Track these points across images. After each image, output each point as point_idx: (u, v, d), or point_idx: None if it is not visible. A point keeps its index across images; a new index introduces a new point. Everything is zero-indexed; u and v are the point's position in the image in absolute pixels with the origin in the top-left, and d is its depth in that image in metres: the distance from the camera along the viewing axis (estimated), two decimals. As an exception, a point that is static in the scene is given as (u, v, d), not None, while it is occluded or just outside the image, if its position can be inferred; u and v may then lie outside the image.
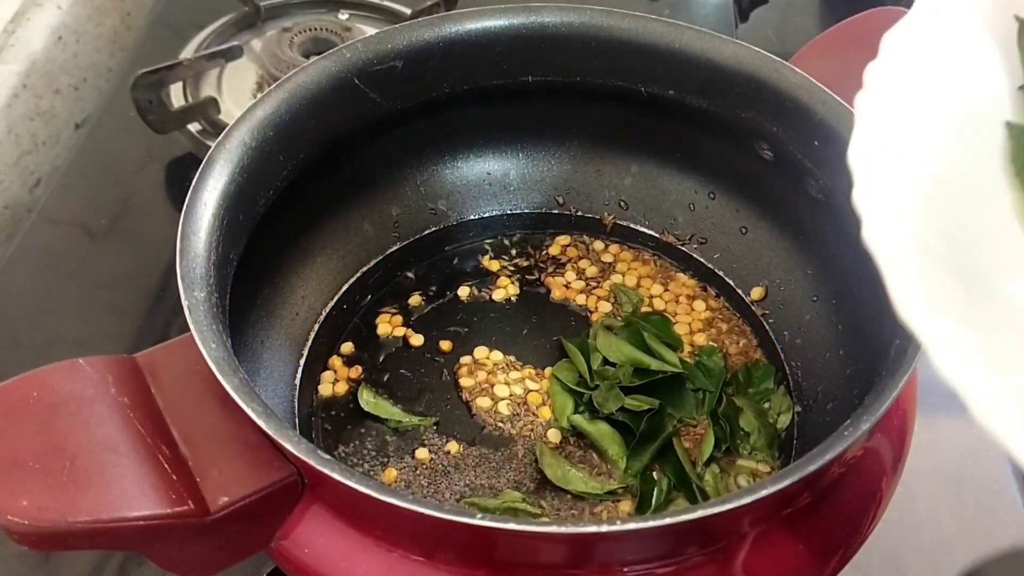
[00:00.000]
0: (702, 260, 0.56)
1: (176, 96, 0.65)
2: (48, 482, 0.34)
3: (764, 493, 0.32)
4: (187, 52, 0.68)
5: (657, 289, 0.55)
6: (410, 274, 0.56)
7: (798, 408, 0.49)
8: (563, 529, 0.32)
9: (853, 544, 0.39)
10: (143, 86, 0.61)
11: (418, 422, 0.49)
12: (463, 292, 0.55)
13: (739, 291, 0.54)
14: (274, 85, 0.47)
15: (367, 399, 0.49)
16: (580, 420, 0.48)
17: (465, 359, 0.52)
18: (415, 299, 0.55)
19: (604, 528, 0.31)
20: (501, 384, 0.50)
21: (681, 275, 0.56)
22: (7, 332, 0.58)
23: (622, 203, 0.58)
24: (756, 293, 0.54)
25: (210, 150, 0.43)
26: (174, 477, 0.35)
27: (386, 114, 0.51)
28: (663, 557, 0.35)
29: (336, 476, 0.32)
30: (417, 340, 0.53)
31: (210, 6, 0.72)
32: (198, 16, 0.72)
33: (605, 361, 0.50)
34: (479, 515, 0.32)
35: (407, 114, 0.52)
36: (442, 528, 0.33)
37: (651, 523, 0.31)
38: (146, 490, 0.34)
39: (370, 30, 0.69)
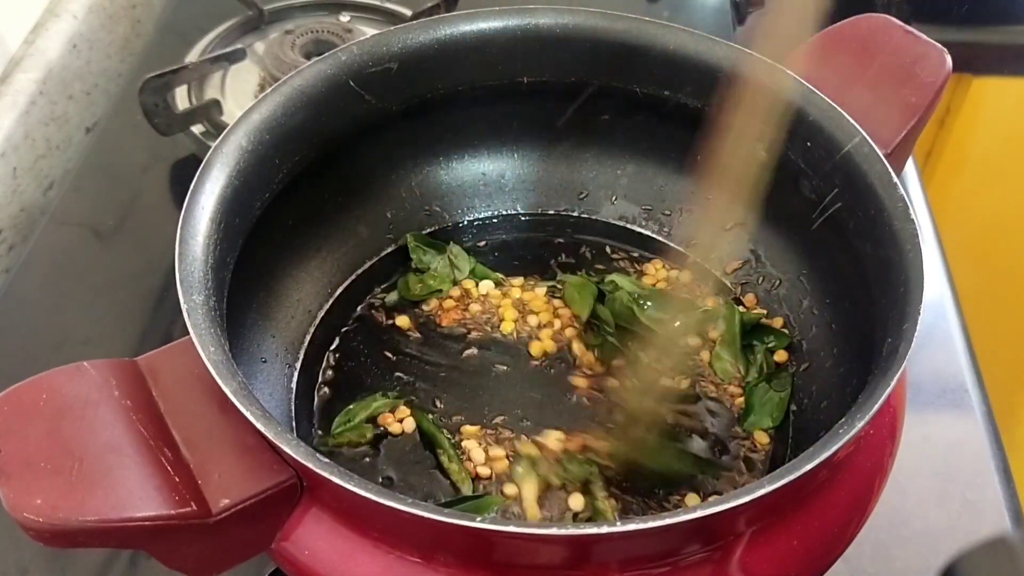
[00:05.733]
0: (698, 260, 0.56)
1: (181, 99, 0.66)
2: (59, 482, 0.34)
3: (761, 492, 0.32)
4: (192, 56, 0.69)
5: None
6: (405, 275, 0.56)
7: (793, 407, 0.49)
8: (561, 531, 0.32)
9: (846, 539, 0.40)
10: (150, 90, 0.62)
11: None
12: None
13: (735, 291, 0.55)
14: (270, 88, 0.47)
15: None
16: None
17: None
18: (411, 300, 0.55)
19: (603, 529, 0.31)
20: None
21: (677, 274, 0.56)
22: (25, 330, 0.59)
23: (618, 203, 0.58)
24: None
25: (207, 154, 0.43)
26: (176, 479, 0.35)
27: (381, 116, 0.52)
28: (661, 557, 0.35)
29: (335, 479, 0.33)
30: (415, 340, 0.53)
31: (215, 10, 0.73)
32: (204, 20, 0.73)
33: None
34: (478, 518, 0.32)
35: (402, 116, 0.53)
36: (440, 530, 0.33)
37: (648, 524, 0.31)
38: (151, 492, 0.34)
39: (371, 31, 0.70)
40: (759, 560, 0.37)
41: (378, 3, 0.75)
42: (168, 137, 0.64)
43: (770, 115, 0.43)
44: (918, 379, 0.56)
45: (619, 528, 0.32)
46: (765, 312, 0.52)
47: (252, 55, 0.70)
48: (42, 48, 0.71)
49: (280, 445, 0.34)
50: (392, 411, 0.49)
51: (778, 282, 0.53)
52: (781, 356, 0.51)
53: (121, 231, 0.65)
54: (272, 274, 0.52)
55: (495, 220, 0.59)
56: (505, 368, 0.51)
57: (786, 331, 0.51)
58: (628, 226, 0.58)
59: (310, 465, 0.33)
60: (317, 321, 0.53)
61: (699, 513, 0.32)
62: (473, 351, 0.52)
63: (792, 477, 0.33)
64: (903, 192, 0.42)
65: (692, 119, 0.52)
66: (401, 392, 0.50)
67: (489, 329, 0.53)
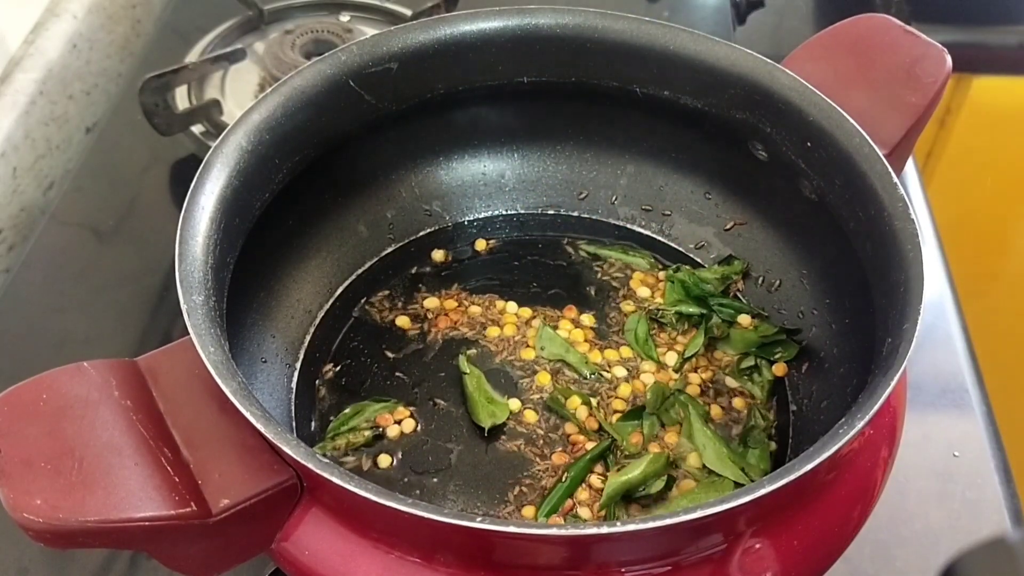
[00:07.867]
0: (698, 260, 0.56)
1: (181, 99, 0.66)
2: (59, 482, 0.34)
3: (761, 492, 0.32)
4: (192, 56, 0.69)
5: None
6: (405, 275, 0.56)
7: (793, 407, 0.49)
8: (561, 531, 0.32)
9: (846, 538, 0.40)
10: (150, 90, 0.62)
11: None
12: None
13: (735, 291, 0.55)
14: (270, 88, 0.47)
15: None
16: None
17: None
18: (411, 299, 0.55)
19: (603, 529, 0.31)
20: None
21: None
22: (25, 330, 0.60)
23: (618, 203, 0.58)
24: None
25: (207, 154, 0.43)
26: (176, 479, 0.35)
27: (381, 116, 0.52)
28: (661, 557, 0.35)
29: (334, 479, 0.33)
30: (414, 339, 0.53)
31: (215, 10, 0.74)
32: (204, 20, 0.73)
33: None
34: (478, 518, 0.32)
35: (402, 116, 0.52)
36: (440, 531, 0.33)
37: (648, 524, 0.32)
38: (151, 492, 0.34)
39: (371, 31, 0.70)
40: (759, 560, 0.37)
41: (378, 3, 0.75)
42: (168, 137, 0.64)
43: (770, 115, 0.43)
44: (918, 379, 0.56)
45: (619, 528, 0.32)
46: (775, 329, 0.52)
47: (252, 55, 0.70)
48: (42, 48, 0.71)
49: (280, 445, 0.34)
50: (391, 412, 0.49)
51: (778, 282, 0.53)
52: (780, 369, 0.51)
53: (121, 231, 0.65)
54: (272, 274, 0.52)
55: (495, 220, 0.59)
56: (504, 368, 0.51)
57: (795, 341, 0.51)
58: (628, 226, 0.58)
59: (310, 465, 0.33)
60: (317, 321, 0.53)
61: (699, 513, 0.32)
62: (473, 351, 0.52)
63: (792, 477, 0.33)
64: (903, 192, 0.42)
65: (692, 119, 0.52)
66: (400, 392, 0.50)
67: (489, 329, 0.53)
